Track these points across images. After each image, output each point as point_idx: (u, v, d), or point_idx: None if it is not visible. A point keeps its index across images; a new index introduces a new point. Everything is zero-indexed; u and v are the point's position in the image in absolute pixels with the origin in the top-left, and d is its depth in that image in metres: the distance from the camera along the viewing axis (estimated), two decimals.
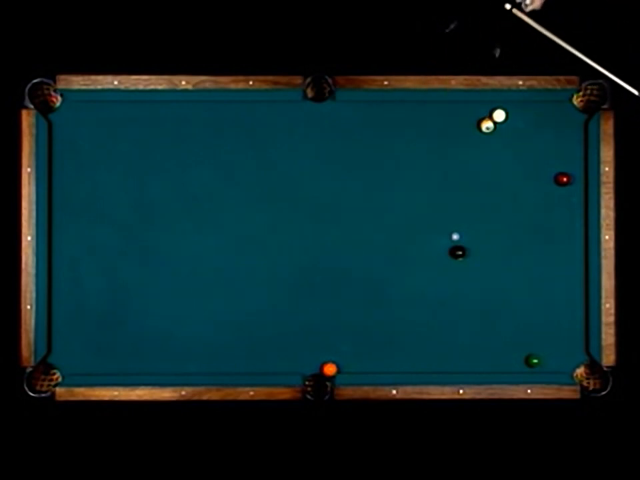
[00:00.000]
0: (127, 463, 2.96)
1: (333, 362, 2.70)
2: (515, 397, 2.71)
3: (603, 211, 2.72)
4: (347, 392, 2.70)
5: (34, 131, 2.69)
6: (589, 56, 2.63)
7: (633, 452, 2.99)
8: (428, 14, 3.04)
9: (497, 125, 2.73)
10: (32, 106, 2.68)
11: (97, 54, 2.99)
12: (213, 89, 2.73)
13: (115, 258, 2.71)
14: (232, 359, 2.71)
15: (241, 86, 2.74)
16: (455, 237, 2.73)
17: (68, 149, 2.72)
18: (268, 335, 2.72)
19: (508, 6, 2.45)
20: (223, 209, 2.72)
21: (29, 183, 2.70)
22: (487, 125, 2.73)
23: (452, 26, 2.76)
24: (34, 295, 2.69)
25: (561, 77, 2.73)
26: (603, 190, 2.72)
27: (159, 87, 2.73)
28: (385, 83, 2.74)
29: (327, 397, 2.68)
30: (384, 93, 2.73)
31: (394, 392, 2.70)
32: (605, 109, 2.71)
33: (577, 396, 2.71)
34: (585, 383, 2.70)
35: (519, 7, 2.54)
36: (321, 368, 2.70)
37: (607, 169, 2.72)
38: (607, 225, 2.72)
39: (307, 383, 2.70)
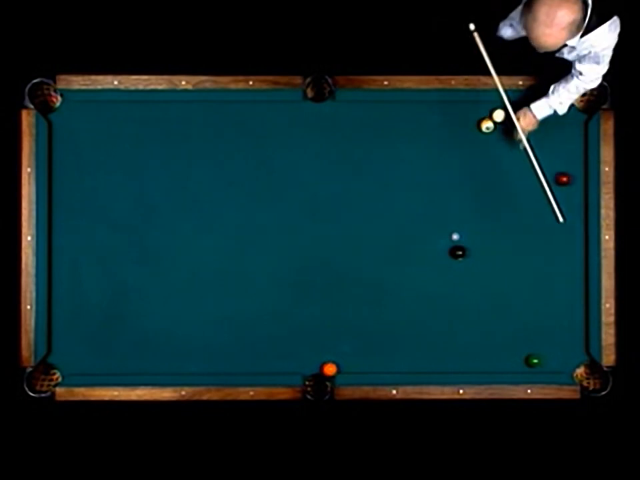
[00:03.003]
0: (127, 463, 2.96)
1: (333, 362, 2.70)
2: (514, 397, 2.71)
3: (603, 211, 2.72)
4: (347, 392, 2.70)
5: (34, 131, 2.69)
6: None
7: (633, 452, 3.00)
8: (428, 14, 3.04)
9: (497, 124, 2.73)
10: (32, 106, 2.68)
11: (97, 54, 2.99)
12: (213, 88, 2.73)
13: (115, 258, 2.71)
14: (232, 358, 2.71)
15: (241, 86, 2.74)
16: (455, 236, 2.73)
17: (68, 149, 2.72)
18: (268, 334, 2.71)
19: (472, 26, 2.46)
20: (223, 209, 2.72)
21: (29, 183, 2.69)
22: (486, 125, 2.73)
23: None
24: (34, 294, 2.69)
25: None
26: (603, 190, 2.72)
27: (159, 87, 2.73)
28: (385, 82, 2.74)
29: (327, 397, 2.68)
30: (384, 93, 2.73)
31: (394, 392, 2.70)
32: (604, 109, 2.71)
33: (577, 396, 2.70)
34: (585, 383, 2.70)
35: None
36: (321, 368, 2.70)
37: (606, 169, 2.72)
38: (607, 224, 2.72)
39: (307, 382, 2.70)
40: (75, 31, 3.02)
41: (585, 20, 2.18)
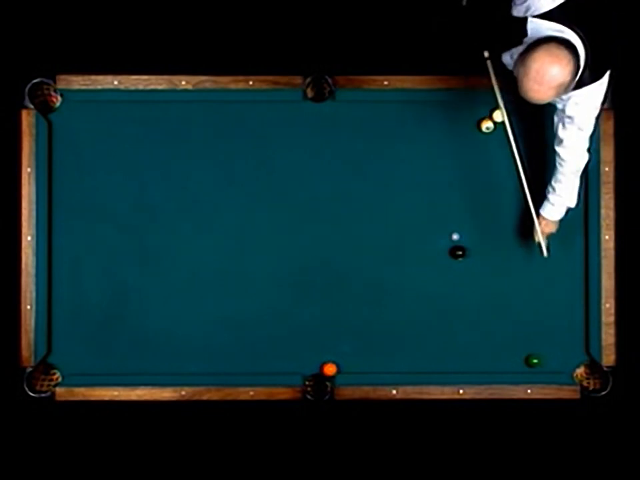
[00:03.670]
0: (127, 463, 2.96)
1: (333, 362, 2.70)
2: (514, 397, 2.71)
3: (603, 211, 2.72)
4: (347, 392, 2.70)
5: (34, 131, 2.69)
6: None
7: (633, 452, 2.99)
8: (428, 14, 3.04)
9: (497, 124, 2.73)
10: (32, 106, 2.68)
11: (97, 54, 2.99)
12: (213, 88, 2.73)
13: (115, 258, 2.72)
14: (232, 358, 2.71)
15: (241, 86, 2.74)
16: (455, 237, 2.73)
17: (68, 149, 2.72)
18: (268, 334, 2.71)
19: (486, 54, 2.45)
20: (223, 209, 2.72)
21: (29, 183, 2.69)
22: (486, 125, 2.73)
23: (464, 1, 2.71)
24: (34, 294, 2.69)
25: None
26: (603, 190, 2.72)
27: (159, 87, 2.73)
28: (385, 82, 2.74)
29: (327, 397, 2.68)
30: (384, 93, 2.73)
31: (394, 392, 2.70)
32: (605, 109, 2.71)
33: (577, 396, 2.70)
34: (585, 383, 2.70)
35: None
36: (321, 368, 2.70)
37: (606, 169, 2.72)
38: (607, 224, 2.72)
39: (307, 382, 2.70)
40: (75, 31, 3.01)
41: (575, 78, 2.15)
